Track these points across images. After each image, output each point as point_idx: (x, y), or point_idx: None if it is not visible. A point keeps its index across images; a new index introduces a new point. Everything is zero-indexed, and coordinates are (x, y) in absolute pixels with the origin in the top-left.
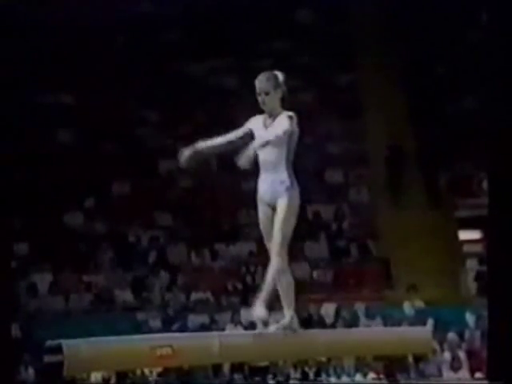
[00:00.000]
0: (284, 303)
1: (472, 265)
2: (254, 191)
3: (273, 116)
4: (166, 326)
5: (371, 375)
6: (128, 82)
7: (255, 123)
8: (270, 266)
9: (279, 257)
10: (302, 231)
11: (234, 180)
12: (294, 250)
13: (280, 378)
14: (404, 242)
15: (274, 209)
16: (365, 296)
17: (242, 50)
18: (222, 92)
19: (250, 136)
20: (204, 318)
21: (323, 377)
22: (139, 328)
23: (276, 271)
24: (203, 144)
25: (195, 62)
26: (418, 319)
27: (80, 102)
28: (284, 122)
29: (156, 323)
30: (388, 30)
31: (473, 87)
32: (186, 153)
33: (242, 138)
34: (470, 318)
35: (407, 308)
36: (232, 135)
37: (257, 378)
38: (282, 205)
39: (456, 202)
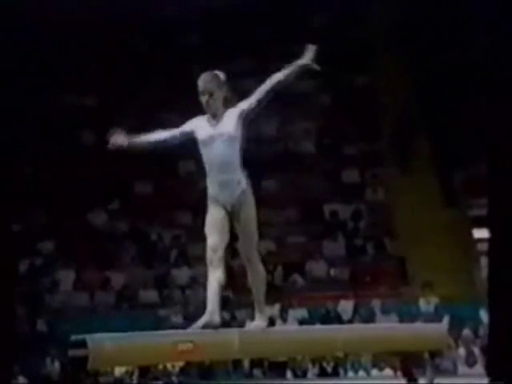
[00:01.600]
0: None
1: (486, 262)
2: (273, 191)
3: (217, 117)
4: (188, 322)
5: (388, 371)
6: (148, 84)
7: (198, 125)
8: (253, 275)
9: (261, 264)
10: (320, 230)
11: (252, 179)
12: (312, 248)
13: (298, 373)
14: (419, 240)
15: (230, 212)
16: (381, 293)
17: (261, 52)
18: (241, 95)
19: (187, 136)
20: (224, 315)
21: (341, 372)
22: (161, 324)
23: (263, 278)
24: (137, 138)
25: (214, 64)
26: (434, 316)
27: (103, 103)
28: (234, 118)
29: (177, 319)
30: (403, 32)
31: (488, 87)
32: (118, 137)
33: (178, 138)
34: (484, 314)
35: (423, 305)
36: (168, 134)
37: (275, 373)
38: (246, 209)
39: (471, 201)
